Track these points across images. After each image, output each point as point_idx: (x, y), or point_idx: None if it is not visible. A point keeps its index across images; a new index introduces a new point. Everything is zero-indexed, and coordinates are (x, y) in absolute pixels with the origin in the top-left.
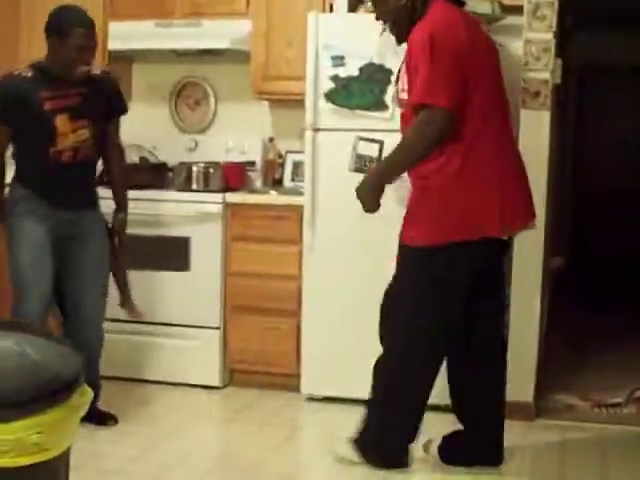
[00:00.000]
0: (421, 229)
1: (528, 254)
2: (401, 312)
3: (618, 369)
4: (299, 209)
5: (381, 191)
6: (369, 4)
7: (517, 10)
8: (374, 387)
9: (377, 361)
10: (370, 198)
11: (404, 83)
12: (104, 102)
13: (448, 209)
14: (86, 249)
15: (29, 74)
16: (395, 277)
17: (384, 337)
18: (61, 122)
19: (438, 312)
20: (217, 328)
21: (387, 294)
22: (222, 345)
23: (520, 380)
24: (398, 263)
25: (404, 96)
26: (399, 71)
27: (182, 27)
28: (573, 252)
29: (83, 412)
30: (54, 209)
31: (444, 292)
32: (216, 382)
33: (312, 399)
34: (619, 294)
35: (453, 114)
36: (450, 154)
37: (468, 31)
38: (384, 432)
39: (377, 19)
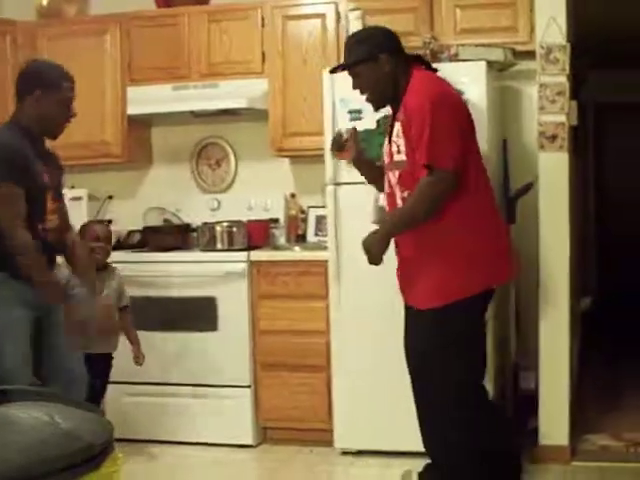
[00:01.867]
0: (440, 289)
1: (554, 296)
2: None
3: None
4: (324, 264)
5: (387, 246)
6: None
7: (529, 55)
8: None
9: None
10: (377, 253)
11: (400, 146)
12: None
13: (467, 265)
14: (60, 324)
15: (18, 137)
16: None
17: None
18: (49, 199)
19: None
20: (248, 386)
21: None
22: (254, 403)
23: (554, 423)
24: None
25: (401, 158)
26: (390, 135)
27: (199, 89)
28: (600, 292)
29: (115, 479)
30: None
31: (472, 344)
32: (249, 441)
33: (346, 453)
34: None
35: (457, 176)
36: (455, 215)
37: (458, 95)
38: None
39: (356, 88)
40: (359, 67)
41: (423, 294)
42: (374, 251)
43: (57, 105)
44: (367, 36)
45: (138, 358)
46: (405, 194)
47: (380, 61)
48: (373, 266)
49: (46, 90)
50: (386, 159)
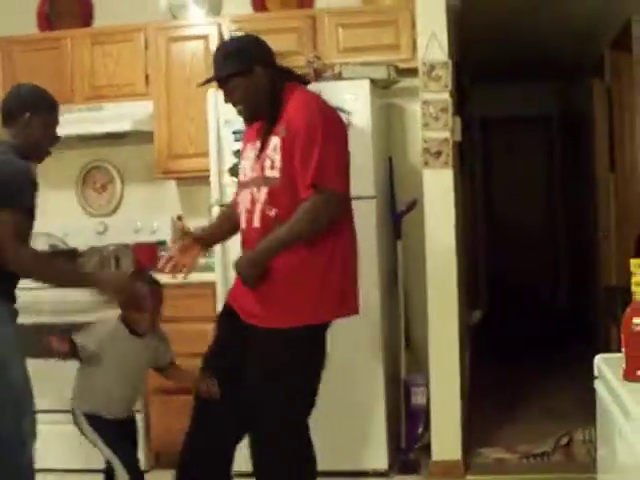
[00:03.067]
0: (294, 310)
1: (443, 311)
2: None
3: (542, 419)
4: (211, 286)
5: (264, 268)
6: None
7: (413, 72)
8: None
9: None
10: (254, 275)
11: (275, 161)
12: None
13: (325, 290)
14: None
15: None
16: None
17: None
18: None
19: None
20: (138, 411)
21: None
22: (145, 429)
23: (446, 438)
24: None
25: (274, 174)
26: (260, 150)
27: (83, 112)
28: (491, 305)
29: None
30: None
31: (317, 367)
32: (141, 466)
33: (240, 475)
34: (533, 344)
35: (345, 200)
36: (323, 239)
37: (342, 119)
38: None
39: (228, 102)
40: (233, 80)
41: (273, 312)
42: (249, 274)
43: (45, 128)
44: (240, 47)
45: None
46: (272, 212)
47: (255, 73)
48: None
49: (35, 113)
50: (250, 174)
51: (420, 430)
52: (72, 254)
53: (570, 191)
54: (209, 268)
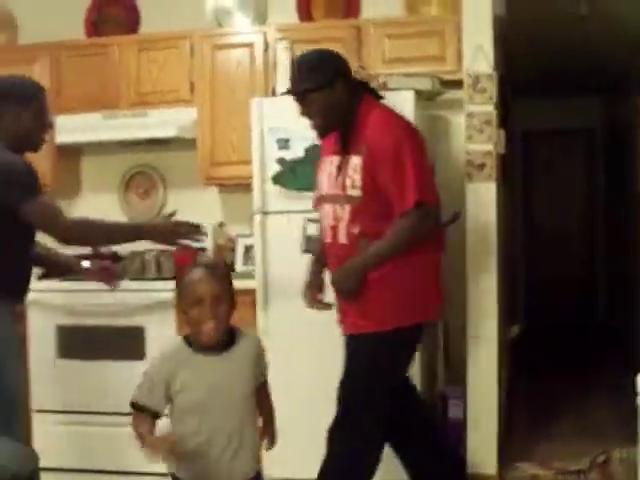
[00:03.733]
0: (380, 315)
1: (483, 325)
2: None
3: (579, 436)
4: (252, 293)
5: (363, 281)
6: None
7: (457, 84)
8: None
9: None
10: (353, 288)
11: (356, 180)
12: None
13: (413, 293)
14: None
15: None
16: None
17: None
18: None
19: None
20: None
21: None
22: None
23: (482, 452)
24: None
25: (356, 193)
26: (339, 167)
27: (129, 118)
28: (529, 320)
29: None
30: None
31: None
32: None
33: None
34: (570, 359)
35: (439, 210)
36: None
37: (416, 128)
38: None
39: (305, 115)
40: (311, 94)
41: (355, 320)
42: (349, 286)
43: (35, 118)
44: (322, 60)
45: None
46: (357, 229)
47: (336, 88)
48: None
49: (24, 103)
50: (330, 190)
51: (455, 443)
52: (114, 258)
53: (611, 206)
54: (249, 276)
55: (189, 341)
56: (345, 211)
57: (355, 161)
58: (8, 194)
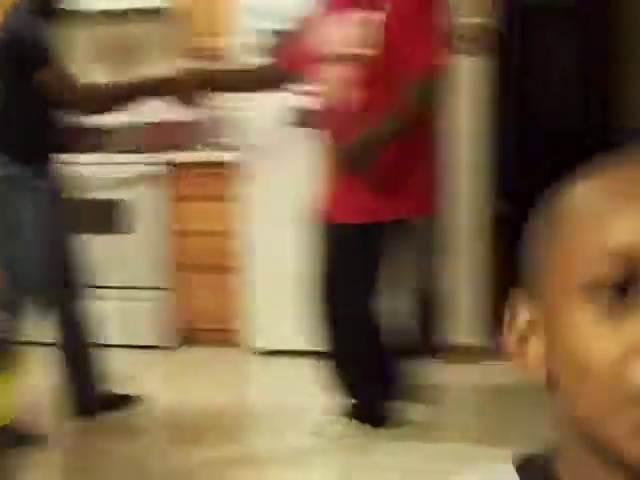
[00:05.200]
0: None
1: (470, 199)
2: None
3: None
4: (237, 166)
5: (376, 152)
6: None
7: None
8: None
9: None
10: (367, 158)
11: (373, 39)
12: None
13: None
14: None
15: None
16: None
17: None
18: None
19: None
20: (165, 289)
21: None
22: (171, 305)
23: (463, 322)
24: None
25: (371, 52)
26: (356, 24)
27: None
28: (519, 196)
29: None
30: None
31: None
32: (169, 343)
33: (261, 353)
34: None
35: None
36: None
37: None
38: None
39: None
40: None
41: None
42: (361, 156)
43: None
44: None
45: None
46: (366, 94)
47: None
48: (288, 167)
49: None
50: (340, 48)
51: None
52: (100, 131)
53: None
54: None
55: None
56: (356, 72)
57: (374, 17)
58: (21, 65)
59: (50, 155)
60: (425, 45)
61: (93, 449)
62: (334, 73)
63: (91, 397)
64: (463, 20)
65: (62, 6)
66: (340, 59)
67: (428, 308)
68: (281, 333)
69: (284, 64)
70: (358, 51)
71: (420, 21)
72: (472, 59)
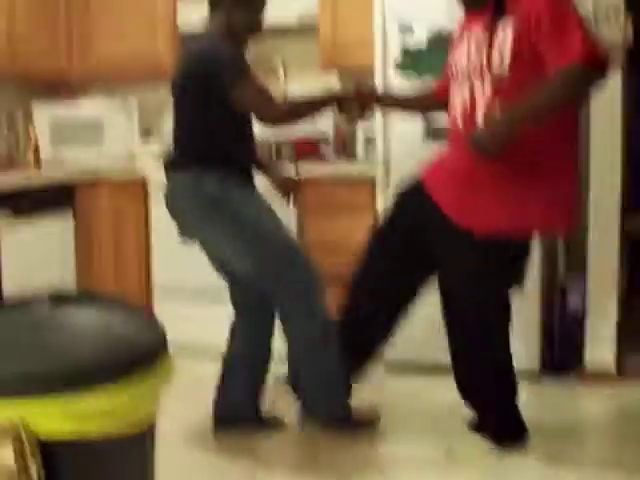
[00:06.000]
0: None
1: (604, 215)
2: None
3: None
4: (372, 180)
5: (510, 139)
6: None
7: None
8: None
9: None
10: (497, 145)
11: (505, 57)
12: None
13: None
14: None
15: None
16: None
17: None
18: None
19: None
20: None
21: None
22: None
23: (601, 342)
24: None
25: (502, 71)
26: (484, 42)
27: None
28: None
29: (168, 382)
30: None
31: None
32: None
33: (391, 365)
34: None
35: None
36: (559, 131)
37: None
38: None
39: None
40: None
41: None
42: (486, 142)
43: (247, 15)
44: None
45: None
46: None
47: None
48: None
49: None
50: (471, 68)
51: (574, 333)
52: None
53: None
54: (370, 162)
55: None
56: (486, 91)
57: (506, 34)
58: (217, 81)
59: (245, 167)
60: (571, 40)
61: None
62: (463, 91)
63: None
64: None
65: (247, 30)
66: (467, 76)
67: (564, 328)
68: (409, 344)
69: (437, 89)
70: (484, 68)
71: (560, 19)
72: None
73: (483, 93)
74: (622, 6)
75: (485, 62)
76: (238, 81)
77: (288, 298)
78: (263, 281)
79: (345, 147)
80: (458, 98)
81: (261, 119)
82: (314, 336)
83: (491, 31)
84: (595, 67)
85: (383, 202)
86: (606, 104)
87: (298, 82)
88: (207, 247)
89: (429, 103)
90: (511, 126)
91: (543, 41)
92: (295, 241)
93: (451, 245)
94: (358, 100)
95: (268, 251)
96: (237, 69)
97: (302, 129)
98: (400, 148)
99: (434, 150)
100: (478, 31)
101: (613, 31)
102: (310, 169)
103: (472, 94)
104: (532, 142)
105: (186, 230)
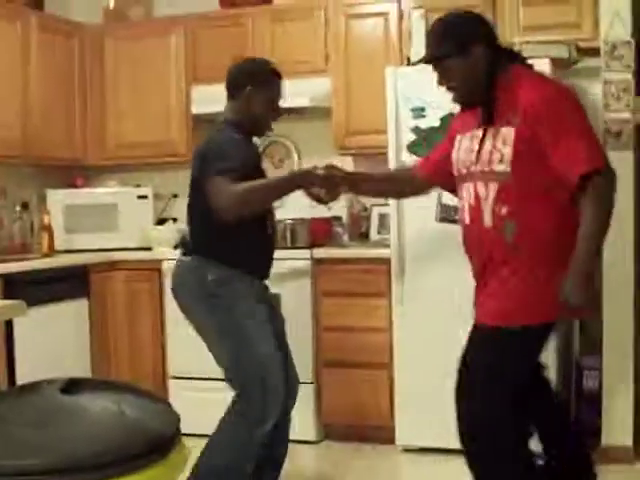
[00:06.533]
0: (528, 307)
1: (618, 293)
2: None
3: None
4: (387, 262)
5: (591, 285)
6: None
7: (593, 52)
8: None
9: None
10: (583, 295)
11: (505, 155)
12: None
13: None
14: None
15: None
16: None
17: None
18: None
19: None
20: (310, 383)
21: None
22: (316, 400)
23: (618, 422)
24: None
25: (503, 168)
26: (483, 142)
27: None
28: None
29: (182, 469)
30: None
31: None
32: (311, 437)
33: (407, 450)
34: None
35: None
36: (567, 223)
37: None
38: None
39: (441, 84)
40: (447, 61)
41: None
42: (579, 296)
43: (266, 102)
44: (457, 25)
45: None
46: (504, 210)
47: (472, 53)
48: (438, 265)
49: (256, 86)
50: (472, 167)
51: (591, 414)
52: None
53: None
54: (384, 244)
55: None
56: (490, 189)
57: (505, 132)
58: (205, 171)
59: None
60: (576, 150)
61: None
62: (468, 191)
63: None
64: (610, 115)
65: (267, 115)
66: (469, 178)
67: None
68: (428, 430)
69: (421, 173)
70: (485, 168)
71: (566, 126)
72: (619, 153)
73: (487, 195)
74: (632, 85)
75: (485, 162)
76: (213, 177)
77: (241, 412)
78: (231, 382)
79: (359, 228)
80: (463, 200)
81: (217, 212)
82: (239, 452)
83: (487, 130)
84: (606, 165)
85: (399, 284)
86: (619, 183)
87: (313, 164)
88: (199, 332)
89: (403, 186)
90: (590, 266)
91: (549, 147)
92: (275, 356)
93: None
94: (326, 185)
95: (244, 361)
96: (220, 166)
97: (317, 212)
98: (413, 230)
99: (448, 232)
100: (473, 131)
101: (623, 110)
102: (323, 253)
103: (477, 195)
104: (547, 236)
105: (183, 311)
